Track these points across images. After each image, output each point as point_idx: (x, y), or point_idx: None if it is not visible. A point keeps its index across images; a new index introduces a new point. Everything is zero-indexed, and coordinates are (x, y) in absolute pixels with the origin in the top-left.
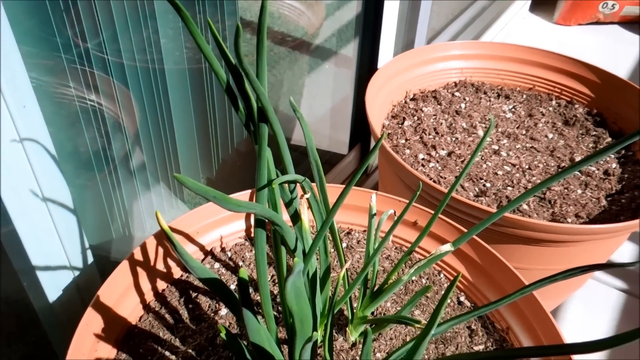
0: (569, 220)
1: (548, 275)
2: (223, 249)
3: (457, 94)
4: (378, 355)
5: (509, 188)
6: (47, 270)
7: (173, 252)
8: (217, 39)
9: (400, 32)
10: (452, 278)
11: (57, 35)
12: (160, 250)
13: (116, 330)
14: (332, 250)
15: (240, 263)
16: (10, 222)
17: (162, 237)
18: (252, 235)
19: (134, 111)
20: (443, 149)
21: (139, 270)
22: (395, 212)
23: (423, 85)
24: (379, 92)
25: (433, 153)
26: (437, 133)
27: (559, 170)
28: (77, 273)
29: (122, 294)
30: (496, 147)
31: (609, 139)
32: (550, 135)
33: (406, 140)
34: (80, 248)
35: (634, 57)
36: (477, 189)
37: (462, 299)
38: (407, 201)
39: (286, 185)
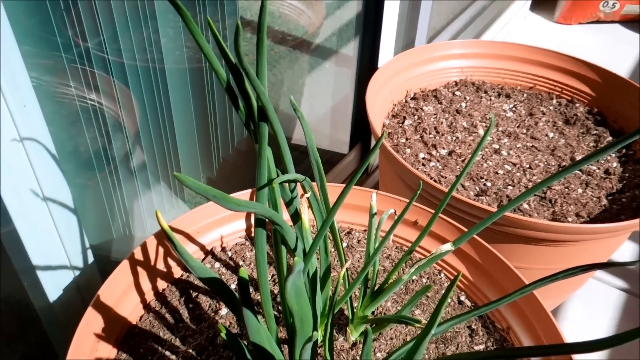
0: (570, 219)
1: (548, 275)
2: (223, 249)
3: (457, 93)
4: (378, 355)
5: (510, 187)
6: (47, 270)
7: (173, 252)
8: (217, 38)
9: (400, 31)
10: (452, 277)
11: (58, 34)
12: (161, 249)
13: (116, 330)
14: (333, 249)
15: (241, 262)
16: (11, 221)
17: (163, 237)
18: (253, 234)
19: (134, 110)
20: (443, 148)
21: (140, 269)
22: (395, 212)
23: (423, 85)
24: (380, 91)
25: (433, 152)
26: (437, 132)
27: (560, 169)
28: (77, 273)
29: (122, 293)
30: (497, 146)
31: (610, 138)
32: (551, 135)
33: (407, 139)
34: (81, 248)
35: (635, 56)
36: (477, 188)
37: (462, 298)
38: (408, 200)
39: (286, 184)
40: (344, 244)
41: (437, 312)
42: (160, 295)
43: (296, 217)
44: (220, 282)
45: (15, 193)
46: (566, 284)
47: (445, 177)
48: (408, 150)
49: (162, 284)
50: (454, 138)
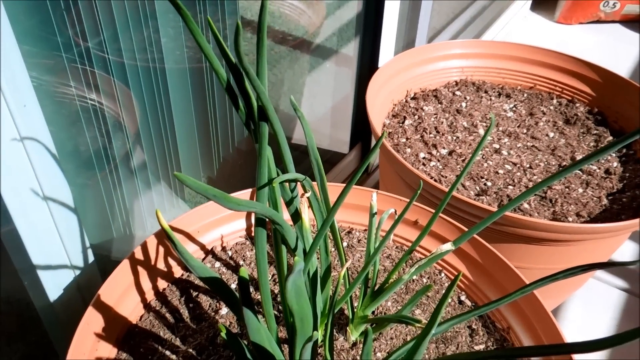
0: (570, 219)
1: (549, 275)
2: (224, 248)
3: (457, 92)
4: (378, 354)
5: (510, 187)
6: (47, 270)
7: (174, 251)
8: (217, 38)
9: (401, 31)
10: (452, 277)
11: (58, 34)
12: (161, 249)
13: (117, 330)
14: (333, 249)
15: (241, 262)
16: (11, 221)
17: (163, 236)
18: (253, 234)
19: (134, 110)
20: (444, 148)
21: (140, 269)
22: (396, 211)
23: (424, 84)
24: (380, 91)
25: (434, 152)
26: (437, 132)
27: (560, 169)
28: (77, 272)
29: (122, 293)
30: (497, 146)
31: (610, 138)
32: (551, 134)
33: (407, 139)
34: (81, 247)
35: (635, 56)
36: (478, 187)
37: (462, 298)
38: (408, 200)
39: (287, 184)
40: (344, 244)
41: (437, 312)
42: (160, 295)
43: (296, 216)
44: (220, 282)
45: (16, 192)
46: (566, 283)
47: (446, 177)
48: (408, 150)
49: (162, 284)
50: (454, 138)
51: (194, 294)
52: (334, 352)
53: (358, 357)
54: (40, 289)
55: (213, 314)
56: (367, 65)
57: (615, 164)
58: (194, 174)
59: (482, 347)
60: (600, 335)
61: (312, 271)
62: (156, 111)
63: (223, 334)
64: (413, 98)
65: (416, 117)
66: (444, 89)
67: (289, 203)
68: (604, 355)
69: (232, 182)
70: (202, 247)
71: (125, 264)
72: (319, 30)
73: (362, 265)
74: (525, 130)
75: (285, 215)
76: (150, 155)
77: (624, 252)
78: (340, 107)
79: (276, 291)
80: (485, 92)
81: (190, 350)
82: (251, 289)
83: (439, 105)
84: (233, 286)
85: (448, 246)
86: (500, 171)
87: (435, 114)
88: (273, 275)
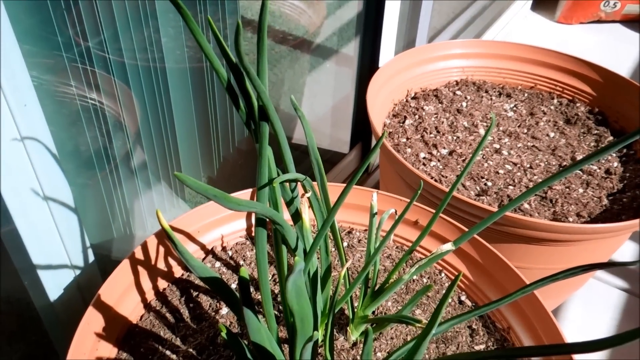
0: (570, 219)
1: (549, 275)
2: (224, 248)
3: (458, 92)
4: (379, 354)
5: (510, 187)
6: (48, 269)
7: (174, 251)
8: (217, 37)
9: (401, 30)
10: (453, 277)
11: (58, 33)
12: (161, 249)
13: (117, 330)
14: (333, 249)
15: (241, 262)
16: (11, 221)
17: (163, 236)
18: (253, 234)
19: (135, 110)
20: (444, 148)
21: (140, 269)
22: (396, 211)
23: (424, 84)
24: (380, 90)
25: (434, 152)
26: (438, 132)
27: (561, 169)
28: (78, 272)
29: (123, 293)
30: (497, 146)
31: (611, 138)
32: (552, 134)
33: (407, 139)
34: (81, 247)
35: (636, 55)
36: (478, 188)
37: (463, 298)
38: (408, 200)
39: (287, 184)
40: (345, 244)
41: (437, 312)
42: (160, 295)
43: (297, 216)
44: (220, 282)
45: (16, 192)
46: (567, 283)
47: (446, 177)
48: (409, 150)
49: (162, 284)
50: (455, 138)
51: (194, 293)
52: (334, 352)
53: (358, 357)
54: (40, 288)
55: (213, 313)
56: (368, 65)
57: (615, 164)
58: (194, 174)
59: (482, 347)
60: (600, 336)
61: (313, 271)
62: (157, 111)
63: (223, 334)
64: (413, 98)
65: (416, 116)
66: (445, 89)
67: (289, 203)
68: (604, 355)
69: (232, 182)
70: (203, 247)
71: (125, 264)
72: (320, 30)
73: (363, 265)
74: (525, 130)
75: (286, 215)
76: (150, 155)
77: (624, 252)
78: (341, 106)
79: (276, 291)
80: (486, 91)
81: (191, 350)
82: (251, 289)
83: (440, 105)
84: (233, 286)
85: (448, 246)
86: (501, 171)
87: (435, 114)
88: (273, 275)
